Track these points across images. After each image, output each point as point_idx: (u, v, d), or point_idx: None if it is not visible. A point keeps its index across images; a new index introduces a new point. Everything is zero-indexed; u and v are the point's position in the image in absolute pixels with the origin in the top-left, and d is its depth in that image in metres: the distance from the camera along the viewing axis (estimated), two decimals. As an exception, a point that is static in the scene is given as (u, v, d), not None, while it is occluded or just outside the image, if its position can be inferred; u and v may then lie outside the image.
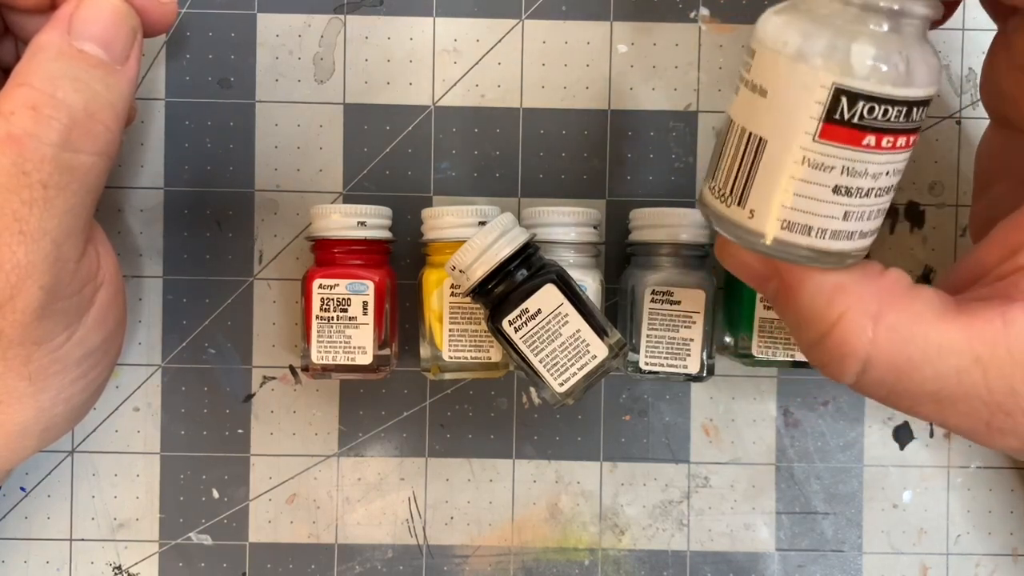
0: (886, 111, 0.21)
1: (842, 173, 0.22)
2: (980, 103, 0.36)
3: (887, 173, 0.22)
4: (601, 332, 0.29)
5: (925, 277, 0.37)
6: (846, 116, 0.21)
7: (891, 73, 0.21)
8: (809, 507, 0.37)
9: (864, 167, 0.22)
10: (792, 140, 0.22)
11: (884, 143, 0.22)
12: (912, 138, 0.22)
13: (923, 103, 0.22)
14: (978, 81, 0.36)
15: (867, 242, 0.23)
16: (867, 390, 0.24)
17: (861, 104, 0.21)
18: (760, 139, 0.22)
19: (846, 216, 0.22)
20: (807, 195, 0.22)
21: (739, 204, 0.23)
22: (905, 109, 0.21)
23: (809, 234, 0.22)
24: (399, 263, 0.36)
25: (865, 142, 0.21)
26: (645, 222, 0.33)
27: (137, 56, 0.28)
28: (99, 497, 0.36)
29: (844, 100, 0.21)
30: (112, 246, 0.31)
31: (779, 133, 0.22)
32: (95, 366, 0.30)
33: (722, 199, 0.24)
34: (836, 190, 0.22)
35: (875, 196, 0.22)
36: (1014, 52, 0.27)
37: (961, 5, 0.26)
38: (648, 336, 0.32)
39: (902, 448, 0.37)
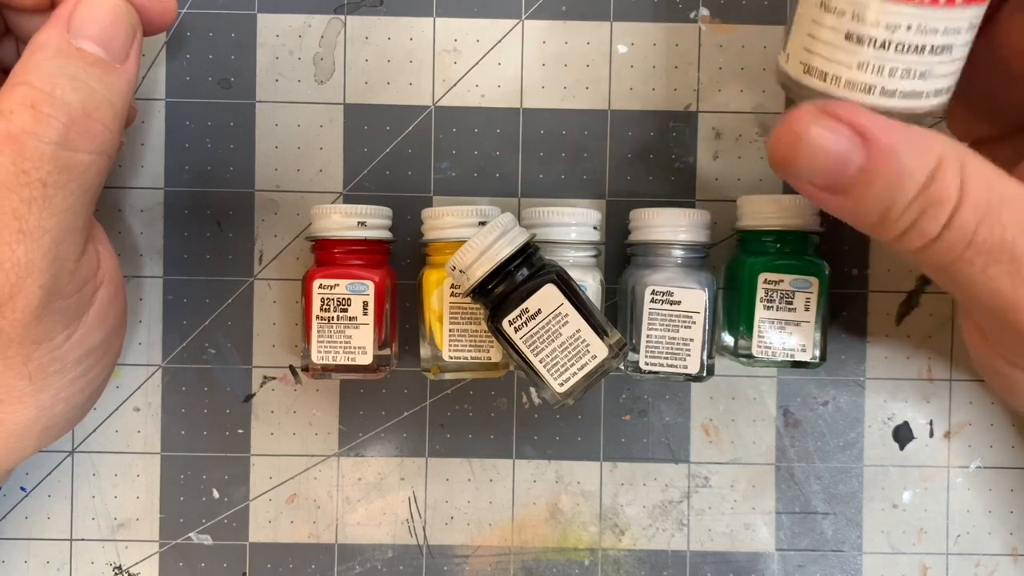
0: None
1: (852, 19, 0.22)
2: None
3: (909, 28, 0.22)
4: (601, 332, 0.29)
5: (921, 287, 0.37)
6: None
7: None
8: (809, 507, 0.37)
9: (875, 16, 0.21)
10: None
11: None
12: None
13: None
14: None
15: (912, 104, 0.23)
16: (945, 246, 0.23)
17: None
18: None
19: (861, 66, 0.22)
20: (823, 39, 0.22)
21: (784, 49, 0.25)
22: None
23: (823, 79, 0.23)
24: (399, 263, 0.36)
25: None
26: (645, 222, 0.33)
27: (136, 55, 0.28)
28: (99, 497, 0.36)
29: None
30: (112, 245, 0.31)
31: None
32: (95, 365, 0.30)
33: (782, 49, 0.25)
34: (848, 36, 0.22)
35: (897, 51, 0.22)
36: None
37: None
38: (648, 336, 0.32)
39: (902, 448, 0.37)
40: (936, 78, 0.23)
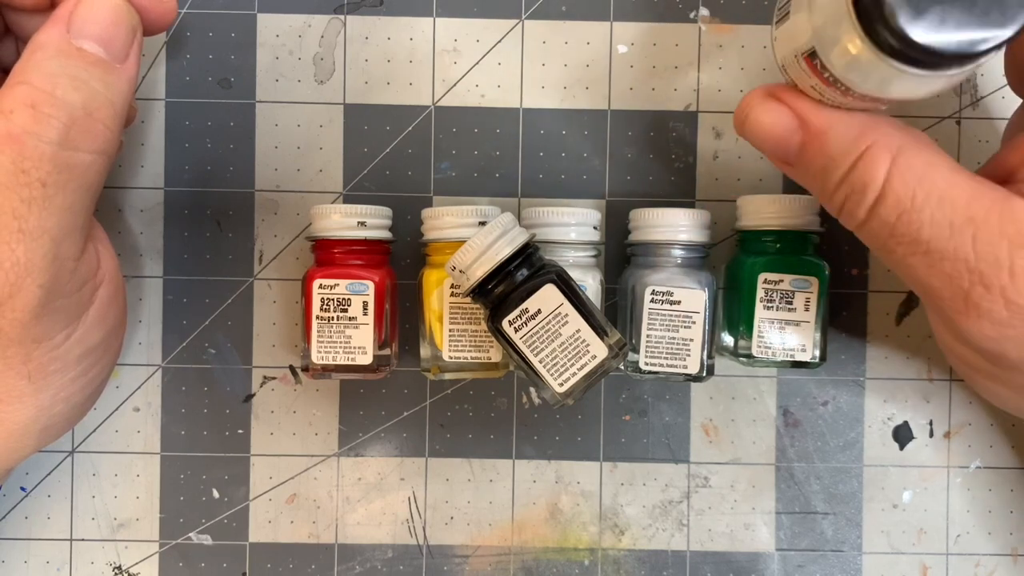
0: None
1: None
2: (978, 104, 0.36)
3: None
4: (601, 332, 0.29)
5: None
6: None
7: None
8: (809, 507, 0.37)
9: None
10: None
11: None
12: None
13: None
14: (978, 81, 0.36)
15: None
16: (872, 231, 0.25)
17: None
18: None
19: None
20: None
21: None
22: None
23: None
24: (399, 263, 0.36)
25: None
26: (645, 222, 0.33)
27: (137, 55, 0.28)
28: (99, 497, 0.36)
29: None
30: (112, 245, 0.31)
31: None
32: (95, 364, 0.30)
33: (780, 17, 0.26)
34: None
35: None
36: None
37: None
38: (648, 336, 0.32)
39: (902, 448, 0.37)
40: None
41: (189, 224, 0.36)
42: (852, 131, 0.25)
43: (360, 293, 0.32)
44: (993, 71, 0.36)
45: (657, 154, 0.36)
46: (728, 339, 0.34)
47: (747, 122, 0.27)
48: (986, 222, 0.23)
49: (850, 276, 0.37)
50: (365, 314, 0.32)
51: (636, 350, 0.33)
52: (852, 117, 0.25)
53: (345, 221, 0.33)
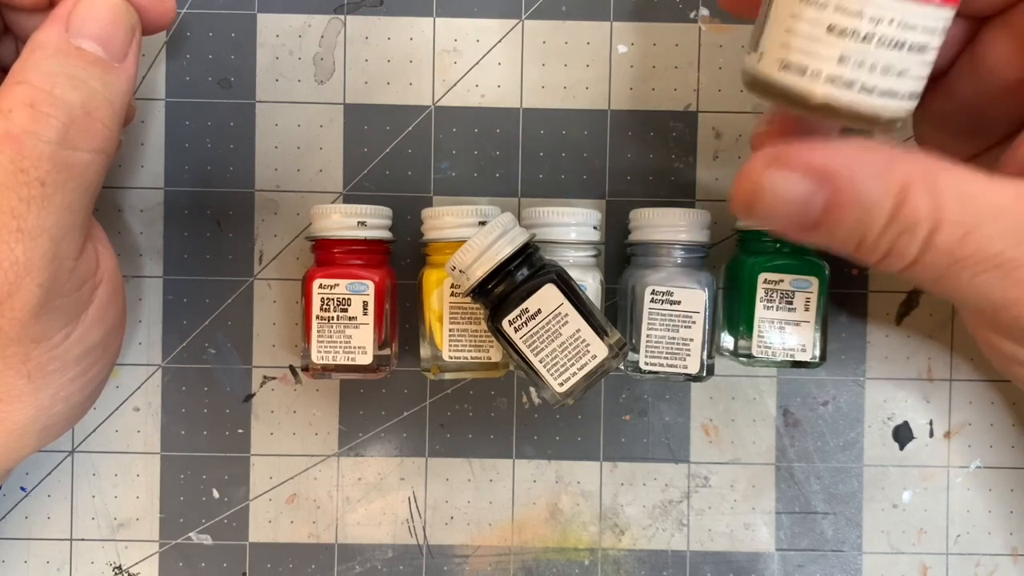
0: None
1: (835, 11, 0.21)
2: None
3: (891, 22, 0.21)
4: (601, 332, 0.29)
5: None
6: None
7: None
8: (809, 507, 0.37)
9: (859, 7, 0.21)
10: None
11: None
12: None
13: None
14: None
15: (888, 104, 0.22)
16: (929, 265, 0.23)
17: None
18: None
19: (842, 60, 0.22)
20: (803, 33, 0.22)
21: (754, 49, 0.23)
22: None
23: (804, 74, 0.22)
24: (399, 263, 0.36)
25: None
26: (645, 222, 0.33)
27: (136, 54, 0.28)
28: (99, 497, 0.36)
29: None
30: (111, 244, 0.31)
31: None
32: (94, 364, 0.30)
33: (746, 51, 0.24)
34: (830, 29, 0.22)
35: (879, 45, 0.22)
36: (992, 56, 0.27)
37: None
38: (648, 336, 0.32)
39: (902, 448, 0.37)
40: (911, 79, 0.23)
41: (189, 224, 0.36)
42: (878, 169, 0.22)
43: (360, 293, 0.32)
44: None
45: (657, 154, 0.36)
46: (728, 339, 0.34)
47: (760, 201, 0.23)
48: None
49: (850, 276, 0.37)
50: (365, 314, 0.32)
51: (636, 350, 0.33)
52: (873, 156, 0.23)
53: (345, 221, 0.33)
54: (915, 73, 0.23)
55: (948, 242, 0.23)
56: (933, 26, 0.22)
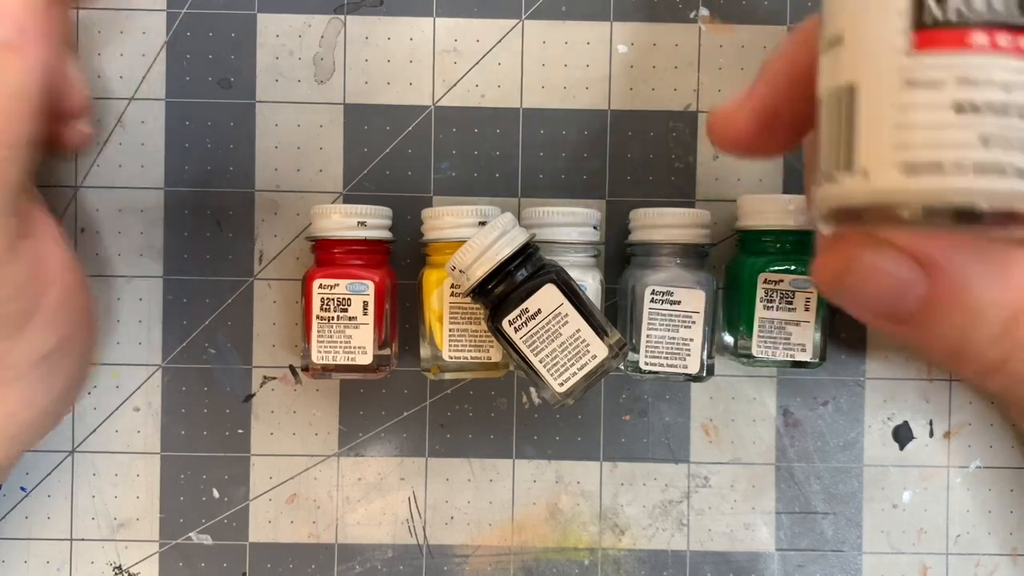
0: (990, 0, 0.17)
1: (959, 85, 0.17)
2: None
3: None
4: (601, 332, 0.29)
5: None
6: (938, 16, 0.17)
7: None
8: (809, 507, 0.37)
9: (987, 74, 0.17)
10: (885, 66, 0.17)
11: (1002, 41, 0.17)
12: None
13: None
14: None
15: None
16: None
17: None
18: (850, 86, 0.18)
19: (986, 141, 0.17)
20: (924, 125, 0.17)
21: (848, 169, 0.18)
22: None
23: (941, 172, 0.17)
24: (399, 263, 0.36)
25: (975, 41, 0.17)
26: (645, 222, 0.33)
27: (43, 31, 0.24)
28: (99, 497, 0.36)
29: None
30: (65, 244, 0.29)
31: (868, 66, 0.18)
32: (56, 368, 0.29)
33: (828, 179, 0.19)
34: (959, 108, 0.17)
35: (1020, 116, 0.17)
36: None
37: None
38: (648, 336, 0.32)
39: (902, 448, 0.37)
40: None
41: (189, 224, 0.36)
42: (996, 268, 0.19)
43: (360, 293, 0.32)
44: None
45: (657, 154, 0.36)
46: (728, 339, 0.34)
47: (852, 274, 0.20)
48: None
49: (850, 276, 0.37)
50: (365, 314, 0.32)
51: (636, 350, 0.33)
52: (991, 259, 0.19)
53: (345, 221, 0.33)
54: None
55: None
56: None
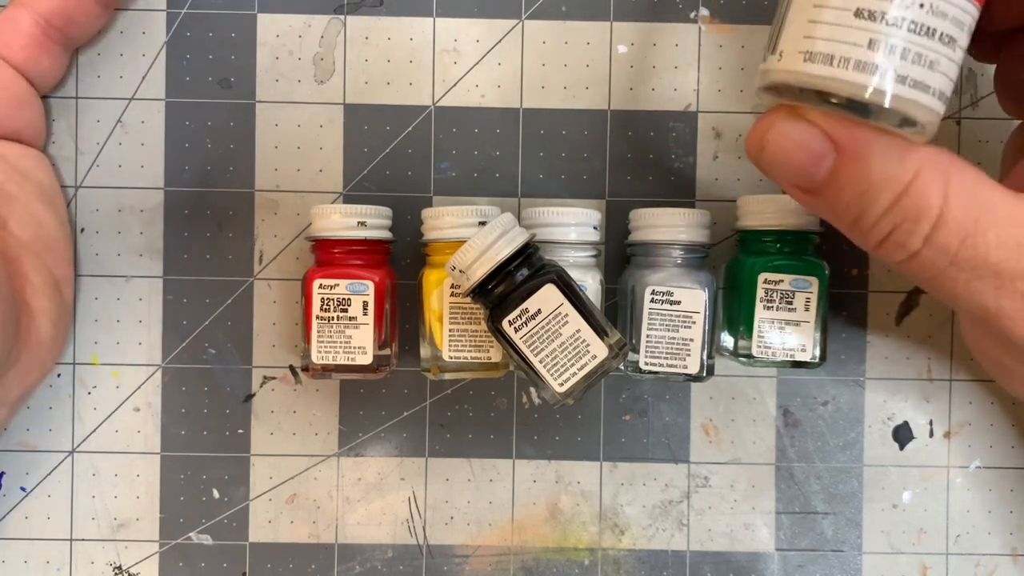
0: None
1: None
2: (979, 104, 0.36)
3: (922, 6, 0.21)
4: (601, 332, 0.29)
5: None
6: None
7: None
8: (809, 507, 0.37)
9: None
10: None
11: None
12: None
13: None
14: (978, 81, 0.36)
15: (920, 99, 0.21)
16: (927, 261, 0.23)
17: None
18: None
19: (872, 44, 0.21)
20: (828, 20, 0.21)
21: (772, 51, 0.22)
22: None
23: (830, 63, 0.21)
24: (399, 263, 0.36)
25: None
26: (645, 222, 0.33)
27: None
28: (99, 497, 0.36)
29: None
30: (54, 302, 0.31)
31: None
32: (32, 387, 0.31)
33: (763, 57, 0.23)
34: (858, 13, 0.21)
35: (909, 30, 0.21)
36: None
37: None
38: (648, 336, 0.32)
39: (902, 448, 0.37)
40: (940, 75, 0.22)
41: (189, 224, 0.36)
42: (895, 151, 0.22)
43: (360, 293, 0.32)
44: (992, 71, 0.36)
45: (657, 154, 0.36)
46: (728, 339, 0.34)
47: (767, 144, 0.24)
48: None
49: (850, 276, 0.37)
50: (365, 314, 0.32)
51: (636, 350, 0.33)
52: (890, 141, 0.22)
53: (345, 221, 0.33)
54: (944, 68, 0.22)
55: (949, 241, 0.23)
56: (961, 19, 0.21)
